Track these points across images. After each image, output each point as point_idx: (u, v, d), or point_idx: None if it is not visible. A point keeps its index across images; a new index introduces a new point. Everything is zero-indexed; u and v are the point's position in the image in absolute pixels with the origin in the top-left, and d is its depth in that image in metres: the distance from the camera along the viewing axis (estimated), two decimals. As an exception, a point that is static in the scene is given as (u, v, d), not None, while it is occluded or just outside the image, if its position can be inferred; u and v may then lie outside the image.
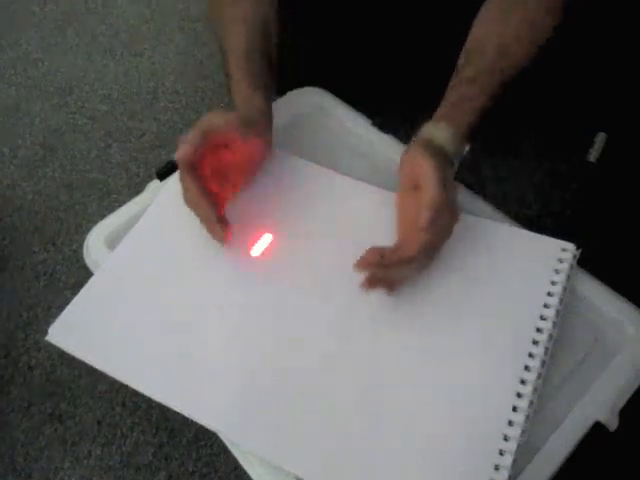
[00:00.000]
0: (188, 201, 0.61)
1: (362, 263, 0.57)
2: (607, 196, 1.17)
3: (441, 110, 0.65)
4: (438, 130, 0.63)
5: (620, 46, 1.09)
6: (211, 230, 0.62)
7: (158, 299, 0.64)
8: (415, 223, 0.57)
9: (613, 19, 1.06)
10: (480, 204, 0.70)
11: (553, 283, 0.60)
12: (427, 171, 0.58)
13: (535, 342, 0.57)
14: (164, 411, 0.57)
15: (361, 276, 0.57)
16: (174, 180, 0.73)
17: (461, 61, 0.68)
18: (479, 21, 0.70)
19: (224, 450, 0.94)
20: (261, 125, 0.65)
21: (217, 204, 0.62)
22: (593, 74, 1.15)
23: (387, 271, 0.58)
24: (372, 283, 0.58)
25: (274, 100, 0.79)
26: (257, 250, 0.65)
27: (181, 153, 0.59)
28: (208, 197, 0.60)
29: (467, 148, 0.65)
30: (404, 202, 0.63)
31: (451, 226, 0.60)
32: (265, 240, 0.66)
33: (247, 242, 0.65)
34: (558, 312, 0.59)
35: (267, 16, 0.73)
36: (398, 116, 0.80)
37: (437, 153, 0.61)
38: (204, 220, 0.61)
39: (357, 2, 0.97)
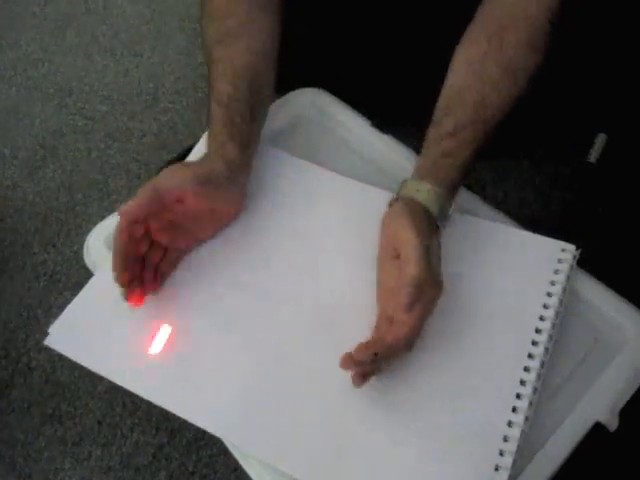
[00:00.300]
0: (112, 253, 0.59)
1: (350, 362, 0.52)
2: (607, 197, 1.17)
3: (423, 166, 0.62)
4: (421, 189, 0.60)
5: (620, 47, 1.09)
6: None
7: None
8: (396, 295, 0.54)
9: (613, 20, 1.06)
10: (479, 204, 0.70)
11: (553, 284, 0.60)
12: (410, 242, 0.55)
13: (535, 343, 0.57)
14: (164, 412, 0.57)
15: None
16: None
17: (439, 112, 0.64)
18: (456, 67, 0.66)
19: (224, 451, 0.93)
20: (223, 180, 0.61)
21: (156, 262, 0.61)
22: (593, 75, 1.15)
23: (378, 366, 0.54)
24: (365, 376, 0.54)
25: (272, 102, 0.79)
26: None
27: (125, 209, 0.57)
28: (124, 259, 0.58)
29: (452, 208, 0.62)
30: (384, 268, 0.59)
31: (436, 300, 0.56)
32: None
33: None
34: (558, 313, 0.59)
35: (260, 63, 0.68)
36: (397, 117, 0.80)
37: (421, 218, 0.58)
38: (113, 274, 0.59)
39: (356, 3, 0.97)
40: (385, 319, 0.57)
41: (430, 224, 0.58)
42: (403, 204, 0.59)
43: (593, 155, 1.19)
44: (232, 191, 0.63)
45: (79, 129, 1.46)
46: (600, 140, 1.19)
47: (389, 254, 0.58)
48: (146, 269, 0.61)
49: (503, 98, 0.64)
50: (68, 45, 1.63)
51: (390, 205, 0.61)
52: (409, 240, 0.55)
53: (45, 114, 1.49)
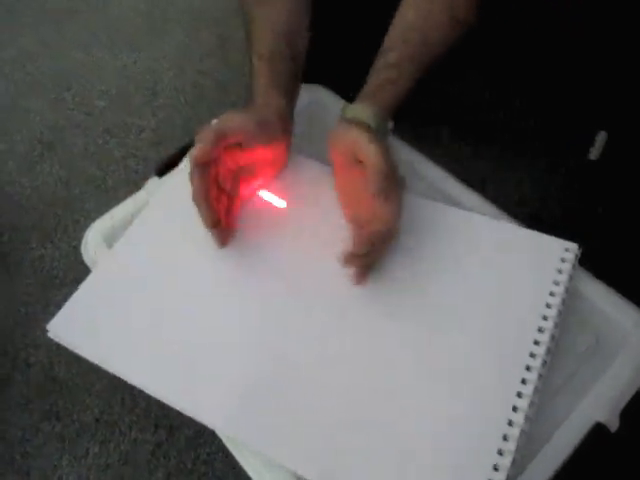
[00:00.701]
0: (194, 200, 0.61)
1: (351, 258, 0.58)
2: (608, 195, 1.17)
3: (364, 91, 0.67)
4: (362, 110, 0.65)
5: (621, 45, 1.08)
6: (210, 233, 0.62)
7: (158, 295, 0.63)
8: (366, 196, 0.58)
9: (613, 18, 1.06)
10: (480, 202, 0.69)
11: (555, 283, 0.60)
12: (365, 142, 0.59)
13: (536, 342, 0.57)
14: (163, 409, 0.57)
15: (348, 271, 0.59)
16: (173, 177, 0.73)
17: (386, 46, 0.70)
18: (405, 8, 0.72)
19: (223, 449, 0.94)
20: (277, 126, 0.65)
21: (225, 206, 0.63)
22: (594, 73, 1.15)
23: (376, 255, 0.59)
24: (365, 271, 0.59)
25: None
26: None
27: (196, 153, 0.59)
28: (209, 200, 0.60)
29: (390, 125, 0.67)
30: (346, 177, 0.65)
31: (402, 193, 0.61)
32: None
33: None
34: (560, 312, 0.59)
35: (296, 23, 0.73)
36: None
37: (366, 128, 0.62)
38: (203, 222, 0.61)
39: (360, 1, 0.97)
40: (359, 225, 0.62)
41: (376, 133, 0.63)
42: (348, 122, 0.63)
43: (594, 153, 1.19)
44: (282, 139, 0.66)
45: (77, 124, 1.45)
46: (601, 138, 1.19)
47: (347, 163, 0.63)
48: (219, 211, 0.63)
49: (443, 40, 0.71)
50: (67, 40, 1.63)
51: (334, 128, 0.65)
52: (366, 141, 0.59)
53: (43, 109, 1.48)
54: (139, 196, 0.74)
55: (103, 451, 0.98)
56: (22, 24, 1.66)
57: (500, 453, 0.52)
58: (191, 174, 0.60)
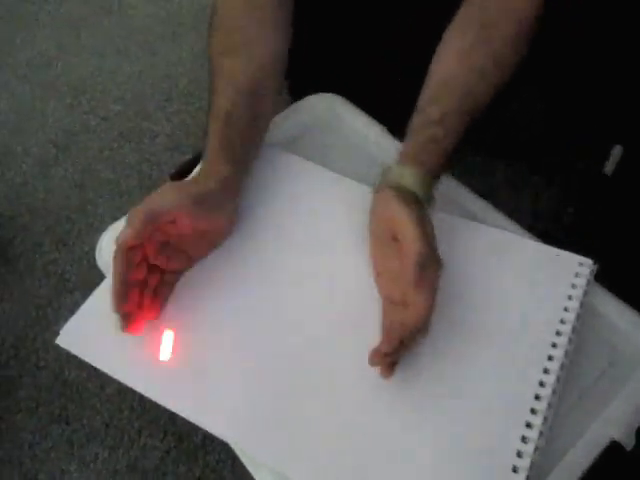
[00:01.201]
0: (112, 282, 0.56)
1: (378, 357, 0.54)
2: (623, 209, 1.16)
3: (408, 152, 0.62)
4: (407, 174, 0.60)
5: (637, 60, 1.08)
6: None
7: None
8: (401, 277, 0.55)
9: (630, 32, 1.05)
10: (493, 215, 0.69)
11: (570, 298, 0.60)
12: (406, 220, 0.55)
13: (551, 358, 0.56)
14: (172, 416, 0.56)
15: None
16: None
17: (425, 100, 0.65)
18: (443, 56, 0.67)
19: (231, 456, 0.93)
20: (219, 198, 0.60)
21: (155, 283, 0.60)
22: (609, 87, 1.14)
23: (404, 352, 0.55)
24: (392, 366, 0.55)
25: (287, 106, 0.79)
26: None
27: (123, 237, 0.55)
28: (125, 289, 0.56)
29: (436, 189, 0.63)
30: (382, 254, 0.61)
31: (439, 276, 0.56)
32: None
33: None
34: (574, 328, 0.58)
35: (263, 80, 0.67)
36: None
37: (411, 200, 0.58)
38: (112, 306, 0.57)
39: (373, 10, 0.97)
40: (391, 305, 0.58)
41: (420, 206, 0.59)
42: (391, 189, 0.59)
43: (609, 167, 1.18)
44: (226, 210, 0.62)
45: (92, 128, 1.46)
46: (616, 152, 1.18)
47: (385, 239, 0.58)
48: (145, 295, 0.59)
49: (489, 89, 0.65)
50: (82, 44, 1.64)
51: (376, 192, 0.61)
52: (406, 220, 0.55)
53: (58, 113, 1.49)
54: (153, 202, 0.74)
55: (112, 457, 0.98)
56: (39, 29, 1.68)
57: (514, 470, 0.51)
58: (115, 257, 0.56)
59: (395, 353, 0.53)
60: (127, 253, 0.56)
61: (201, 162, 0.63)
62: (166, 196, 0.58)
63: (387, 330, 0.56)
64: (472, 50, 0.65)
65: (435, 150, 0.62)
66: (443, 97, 0.64)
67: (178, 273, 0.63)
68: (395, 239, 0.57)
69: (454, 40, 0.67)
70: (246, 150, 0.65)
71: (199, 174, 0.62)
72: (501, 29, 0.66)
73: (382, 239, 0.59)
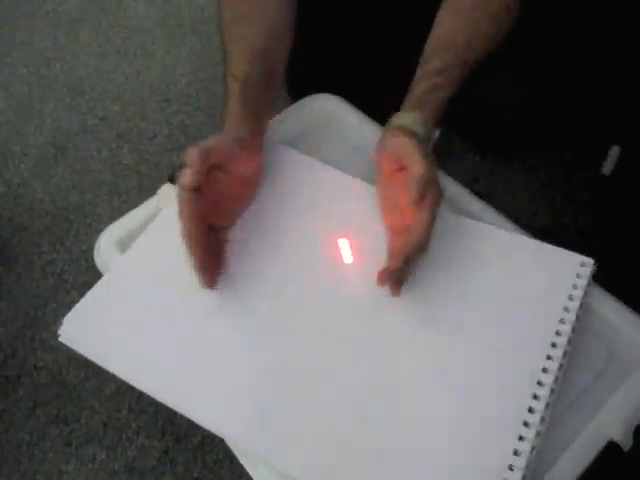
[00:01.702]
0: (185, 236, 0.58)
1: (385, 275, 0.58)
2: (621, 209, 1.17)
3: (413, 99, 0.67)
4: (409, 118, 0.65)
5: (635, 60, 1.08)
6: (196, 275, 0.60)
7: (169, 302, 0.63)
8: (403, 203, 0.59)
9: (629, 33, 1.05)
10: (492, 215, 0.69)
11: (570, 298, 0.60)
12: (410, 149, 0.60)
13: (549, 357, 0.56)
14: (170, 416, 0.57)
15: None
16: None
17: (428, 52, 0.70)
18: (446, 14, 0.72)
19: (230, 457, 0.93)
20: (251, 143, 0.65)
21: (215, 244, 0.62)
22: (607, 87, 1.14)
23: (408, 267, 0.58)
24: (400, 283, 0.58)
25: (287, 107, 0.79)
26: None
27: (188, 178, 0.57)
28: (201, 239, 0.58)
29: (437, 133, 0.68)
30: (388, 186, 0.65)
31: (440, 202, 0.60)
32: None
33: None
34: (574, 328, 0.58)
35: (275, 41, 0.71)
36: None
37: (413, 135, 0.62)
38: (193, 264, 0.59)
39: (371, 10, 0.97)
40: (395, 234, 0.63)
41: (424, 143, 0.63)
42: (394, 129, 0.64)
43: (607, 168, 1.18)
44: (258, 154, 0.67)
45: (90, 129, 1.46)
46: (614, 152, 1.18)
47: (390, 170, 0.64)
48: (210, 252, 0.61)
49: (486, 44, 0.71)
50: (81, 45, 1.64)
51: (384, 132, 0.66)
52: (410, 149, 0.60)
53: (57, 113, 1.49)
54: (152, 202, 0.74)
55: (110, 457, 0.98)
56: (38, 29, 1.68)
57: (511, 469, 0.51)
58: (181, 205, 0.57)
59: (400, 271, 0.57)
60: (194, 197, 0.57)
61: (225, 118, 0.66)
62: (213, 140, 0.62)
63: (392, 251, 0.60)
64: (472, 9, 0.71)
65: (437, 97, 0.67)
66: (444, 50, 0.69)
67: (224, 231, 0.66)
68: (401, 168, 0.61)
69: (456, 1, 0.73)
70: (264, 106, 0.69)
71: (227, 127, 0.65)
72: None
73: (388, 173, 0.64)
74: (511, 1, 0.72)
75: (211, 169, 0.60)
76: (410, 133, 0.63)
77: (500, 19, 0.72)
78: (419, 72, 0.69)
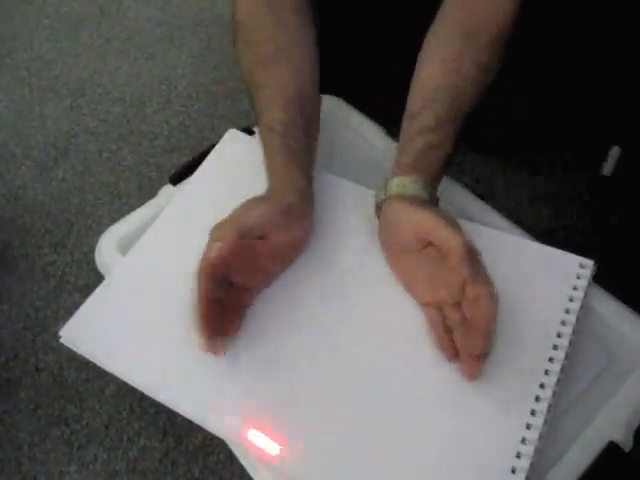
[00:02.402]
0: (198, 301, 0.54)
1: (479, 363, 0.54)
2: (621, 210, 1.17)
3: (407, 161, 0.62)
4: (410, 183, 0.60)
5: (635, 61, 1.08)
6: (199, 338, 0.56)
7: (170, 304, 0.63)
8: (447, 279, 0.54)
9: (629, 33, 1.06)
10: (493, 216, 0.69)
11: (571, 299, 0.60)
12: (434, 223, 0.55)
13: (551, 360, 0.56)
14: (171, 417, 0.57)
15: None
16: (188, 185, 0.74)
17: (416, 107, 0.65)
18: (430, 65, 0.68)
19: (231, 458, 0.93)
20: (300, 210, 0.60)
21: (233, 304, 0.58)
22: (607, 88, 1.14)
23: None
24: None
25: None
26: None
27: (214, 253, 0.53)
28: (210, 308, 0.54)
29: (439, 193, 0.64)
30: (408, 263, 0.60)
31: (482, 259, 0.55)
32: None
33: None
34: (574, 330, 0.58)
35: (306, 84, 0.67)
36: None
37: (423, 203, 0.58)
38: (197, 329, 0.55)
39: (373, 13, 0.97)
40: (440, 310, 0.57)
41: (433, 206, 0.60)
42: (399, 201, 0.59)
43: (607, 168, 1.18)
44: (306, 222, 0.62)
45: (91, 130, 1.46)
46: (614, 153, 1.18)
47: (408, 248, 0.58)
48: (224, 314, 0.57)
49: (476, 93, 0.67)
50: (81, 47, 1.64)
51: (378, 207, 0.61)
52: (431, 221, 0.55)
53: (57, 115, 1.49)
54: (153, 204, 0.74)
55: (111, 458, 0.98)
56: (38, 31, 1.68)
57: (513, 471, 0.51)
58: (200, 272, 0.53)
59: (489, 349, 0.53)
60: (214, 269, 0.53)
61: (269, 177, 0.62)
62: (254, 211, 0.57)
63: (473, 330, 0.53)
64: (459, 58, 0.66)
65: (433, 156, 0.62)
66: (435, 104, 0.64)
67: (257, 292, 0.61)
68: (427, 245, 0.56)
69: (439, 48, 0.69)
70: (309, 155, 0.65)
71: (274, 189, 0.60)
72: (485, 35, 0.67)
73: (404, 249, 0.59)
74: (497, 40, 0.68)
75: (249, 241, 0.56)
76: (417, 201, 0.58)
77: (487, 64, 0.67)
78: (409, 129, 0.64)
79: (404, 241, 0.59)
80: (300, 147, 0.63)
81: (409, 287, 0.61)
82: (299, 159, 0.62)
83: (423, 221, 0.56)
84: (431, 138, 0.62)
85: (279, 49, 0.67)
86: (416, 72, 0.69)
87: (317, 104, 0.69)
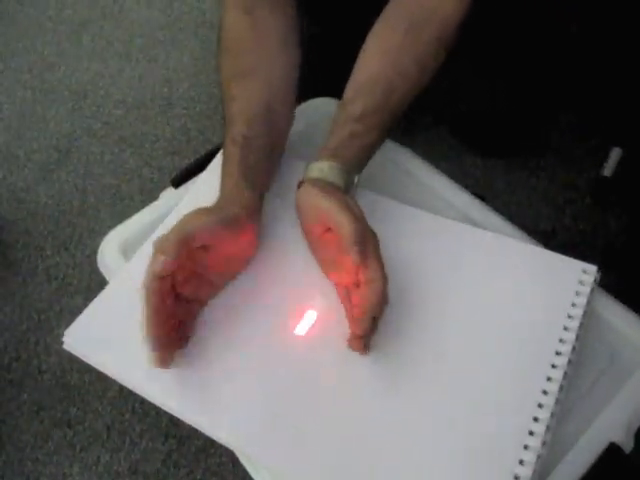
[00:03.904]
0: (145, 315, 0.54)
1: (358, 340, 0.55)
2: (622, 211, 1.17)
3: (329, 147, 0.64)
4: (327, 168, 0.62)
5: (636, 62, 1.08)
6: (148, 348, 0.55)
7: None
8: (345, 264, 0.56)
9: (630, 35, 1.06)
10: (493, 217, 0.69)
11: (574, 305, 0.59)
12: (333, 209, 0.57)
13: (554, 366, 0.56)
14: (174, 419, 0.56)
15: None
16: (191, 189, 0.74)
17: (349, 95, 0.67)
18: (370, 53, 0.69)
19: (233, 459, 0.94)
20: (244, 220, 0.60)
21: (182, 315, 0.58)
22: (609, 89, 1.14)
23: (376, 325, 0.56)
24: (369, 344, 0.56)
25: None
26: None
27: (157, 267, 0.53)
28: (160, 320, 0.54)
29: (357, 179, 0.64)
30: (322, 248, 0.62)
31: (378, 245, 0.58)
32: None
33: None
34: (578, 336, 0.58)
35: (278, 97, 0.68)
36: (406, 123, 0.80)
37: (331, 189, 0.60)
38: (146, 342, 0.54)
39: (369, 13, 0.98)
40: (345, 290, 0.59)
41: (341, 192, 0.60)
42: (310, 184, 0.60)
43: (607, 169, 1.18)
44: (251, 233, 0.62)
45: (93, 133, 1.46)
46: (615, 154, 1.19)
47: (317, 231, 0.61)
48: (173, 328, 0.57)
49: (410, 90, 0.67)
50: (84, 49, 1.64)
51: (298, 188, 0.62)
52: (332, 209, 0.57)
53: (60, 117, 1.50)
54: (155, 206, 0.74)
55: (114, 459, 0.98)
56: (40, 34, 1.68)
57: (516, 478, 0.51)
58: (147, 287, 0.53)
59: (371, 331, 0.55)
60: (160, 282, 0.53)
61: (220, 187, 0.63)
62: (195, 221, 0.57)
63: (356, 313, 0.56)
64: (398, 53, 0.67)
65: (355, 145, 0.64)
66: (365, 95, 0.66)
67: (202, 302, 0.62)
68: (328, 230, 0.59)
69: (381, 39, 0.70)
70: (265, 172, 0.65)
71: (221, 200, 0.61)
72: (427, 33, 0.68)
73: (314, 232, 0.62)
74: (438, 40, 0.68)
75: (190, 251, 0.56)
76: (326, 186, 0.60)
77: (425, 62, 0.68)
78: (338, 116, 0.66)
79: (310, 224, 0.62)
80: (257, 163, 0.63)
81: (322, 267, 0.63)
82: (253, 174, 0.63)
83: (325, 208, 0.58)
84: (355, 127, 0.64)
85: (257, 60, 0.68)
86: (358, 59, 0.69)
87: (287, 122, 0.70)
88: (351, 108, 0.65)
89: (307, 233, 0.63)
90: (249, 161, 0.63)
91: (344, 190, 0.62)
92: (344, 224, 0.55)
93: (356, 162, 0.64)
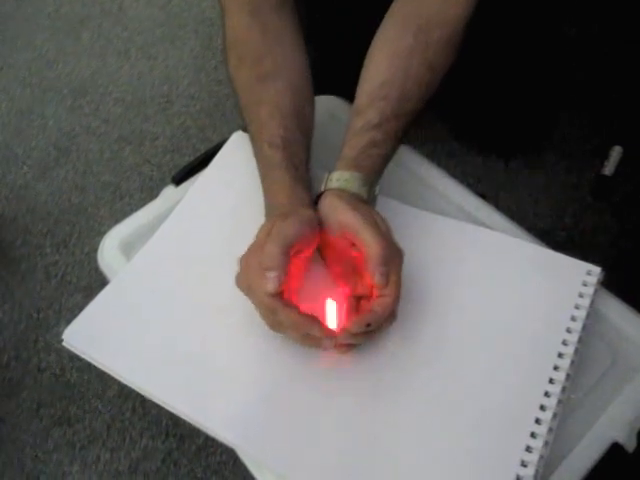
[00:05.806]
0: (280, 326, 0.56)
1: (343, 333, 0.55)
2: (622, 210, 1.17)
3: (350, 156, 0.63)
4: (350, 178, 0.61)
5: (636, 62, 1.08)
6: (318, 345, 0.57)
7: (176, 309, 0.63)
8: (364, 278, 0.57)
9: (629, 34, 1.06)
10: (494, 215, 0.69)
11: (577, 307, 0.59)
12: (359, 227, 0.56)
13: (557, 368, 0.56)
14: (174, 417, 0.56)
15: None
16: (193, 188, 0.73)
17: (363, 102, 0.66)
18: (380, 59, 0.68)
19: (233, 458, 0.94)
20: (317, 221, 0.60)
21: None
22: (610, 88, 1.14)
23: (368, 337, 0.57)
24: (349, 349, 0.57)
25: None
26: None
27: (273, 287, 0.53)
28: (308, 319, 0.55)
29: (378, 190, 0.64)
30: (337, 254, 0.62)
31: (402, 264, 0.57)
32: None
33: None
34: (580, 337, 0.58)
35: (301, 98, 0.68)
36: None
37: (357, 202, 0.59)
38: (311, 340, 0.56)
39: (372, 13, 0.97)
40: (356, 298, 0.60)
41: (367, 205, 0.60)
42: (336, 197, 0.60)
43: (608, 168, 1.18)
44: (318, 238, 0.62)
45: (92, 130, 1.46)
46: (615, 153, 1.18)
47: (340, 246, 0.60)
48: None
49: (424, 92, 0.67)
50: (83, 47, 1.64)
51: (322, 199, 0.62)
52: (357, 224, 0.56)
53: (59, 115, 1.49)
54: (155, 204, 0.74)
55: (114, 458, 0.98)
56: (39, 31, 1.68)
57: (518, 478, 0.51)
58: (272, 307, 0.55)
59: (360, 335, 0.55)
60: (279, 297, 0.55)
61: (269, 191, 0.63)
62: (290, 230, 0.57)
63: (357, 314, 0.57)
64: (408, 56, 0.67)
65: (375, 153, 0.64)
66: (380, 101, 0.65)
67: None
68: (352, 245, 0.58)
69: (390, 43, 0.69)
70: (308, 170, 0.66)
71: (287, 205, 0.61)
72: (437, 35, 0.67)
73: (336, 246, 0.61)
74: (448, 41, 0.68)
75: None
76: (352, 199, 0.59)
77: (436, 65, 0.67)
78: (354, 123, 0.65)
79: (333, 237, 0.61)
80: (301, 164, 0.64)
81: (333, 275, 0.63)
82: (301, 175, 0.63)
83: (350, 223, 0.57)
84: (375, 135, 0.63)
85: (277, 66, 0.68)
86: (366, 63, 0.69)
87: (312, 121, 0.70)
88: (368, 116, 0.64)
89: (326, 245, 0.62)
90: (294, 162, 0.63)
91: (367, 200, 0.61)
92: (371, 245, 0.55)
93: (376, 171, 0.64)
